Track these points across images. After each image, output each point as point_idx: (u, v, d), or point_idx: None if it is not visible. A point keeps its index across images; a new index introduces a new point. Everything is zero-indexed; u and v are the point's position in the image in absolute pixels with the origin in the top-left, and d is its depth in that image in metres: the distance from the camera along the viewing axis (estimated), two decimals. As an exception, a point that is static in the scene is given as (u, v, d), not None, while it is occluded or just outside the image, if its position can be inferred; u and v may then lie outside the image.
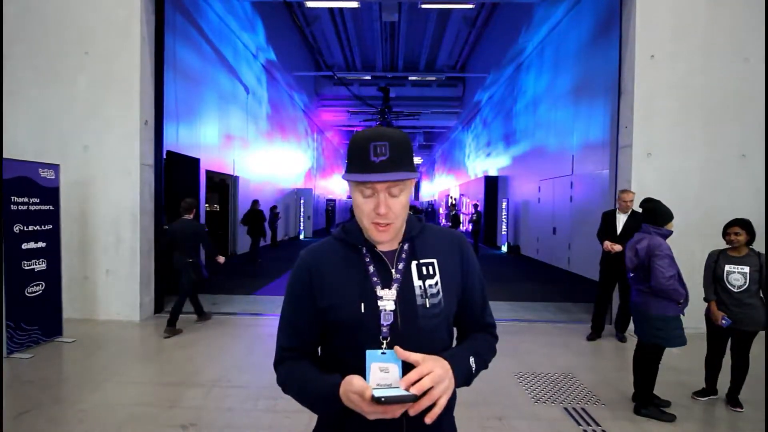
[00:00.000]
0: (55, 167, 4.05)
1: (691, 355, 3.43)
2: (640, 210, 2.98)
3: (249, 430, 2.55)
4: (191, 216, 4.52)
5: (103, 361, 3.59)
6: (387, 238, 0.90)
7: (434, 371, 0.79)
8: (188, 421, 2.62)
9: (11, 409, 2.72)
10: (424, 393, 0.77)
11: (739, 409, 2.87)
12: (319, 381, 0.88)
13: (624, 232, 4.17)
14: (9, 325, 3.57)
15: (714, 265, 2.92)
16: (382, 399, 0.73)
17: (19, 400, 2.86)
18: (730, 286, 2.84)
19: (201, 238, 4.55)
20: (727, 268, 2.86)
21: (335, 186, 27.44)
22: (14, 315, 3.62)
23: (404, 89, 19.37)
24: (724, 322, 2.79)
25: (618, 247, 4.10)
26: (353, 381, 0.79)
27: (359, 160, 0.86)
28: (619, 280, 4.29)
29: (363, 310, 0.89)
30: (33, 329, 3.79)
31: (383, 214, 0.86)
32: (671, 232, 2.80)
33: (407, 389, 0.77)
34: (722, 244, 3.02)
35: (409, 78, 19.10)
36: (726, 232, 2.90)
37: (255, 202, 9.58)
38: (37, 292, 3.85)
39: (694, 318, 3.14)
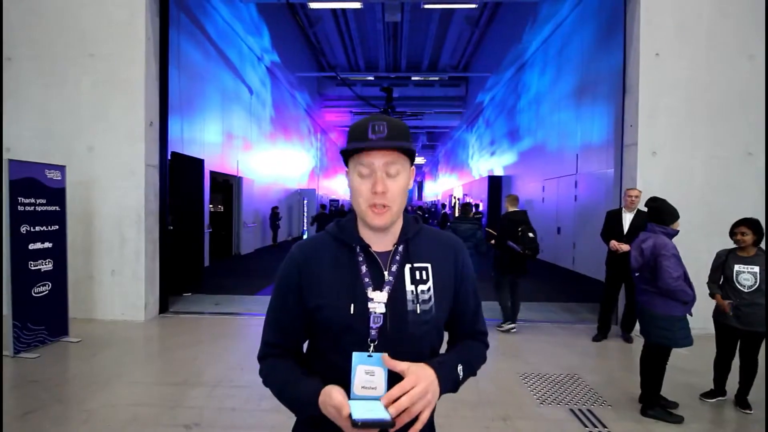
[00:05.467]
0: (61, 168, 4.07)
1: (699, 356, 3.40)
2: (645, 209, 2.97)
3: (252, 430, 2.56)
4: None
5: (108, 362, 3.60)
6: (383, 222, 0.88)
7: (416, 387, 0.79)
8: (192, 421, 2.63)
9: (17, 409, 2.74)
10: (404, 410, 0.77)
11: (748, 411, 2.84)
12: (299, 385, 0.87)
13: (631, 231, 4.12)
14: (15, 324, 3.59)
15: (723, 265, 2.89)
16: (359, 423, 0.72)
17: (24, 399, 2.87)
18: (740, 286, 2.80)
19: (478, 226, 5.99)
20: (736, 268, 2.82)
21: (338, 186, 27.47)
22: (21, 315, 3.64)
23: (407, 89, 19.37)
24: (731, 312, 2.81)
25: (625, 247, 4.04)
26: (332, 393, 0.79)
27: (357, 138, 0.87)
28: (626, 280, 4.26)
29: (352, 312, 0.87)
30: (39, 329, 3.81)
31: (380, 192, 0.85)
32: (677, 232, 2.77)
33: (387, 406, 0.77)
34: (728, 244, 2.99)
35: (412, 78, 19.09)
36: (733, 232, 2.87)
37: (342, 206, 12.63)
38: (43, 292, 3.87)
39: (701, 318, 3.10)
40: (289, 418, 2.94)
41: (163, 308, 5.05)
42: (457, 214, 5.09)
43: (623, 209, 4.28)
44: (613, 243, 4.17)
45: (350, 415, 0.74)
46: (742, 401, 2.89)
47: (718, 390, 3.01)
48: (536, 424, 2.68)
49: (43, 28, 4.63)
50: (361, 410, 0.75)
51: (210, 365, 3.54)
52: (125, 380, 3.23)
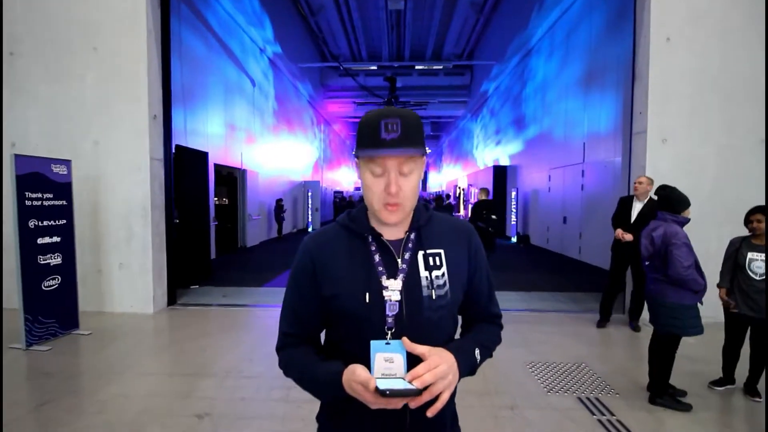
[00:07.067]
0: (67, 163, 4.09)
1: (708, 344, 3.38)
2: (656, 198, 2.93)
3: (263, 419, 2.59)
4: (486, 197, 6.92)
5: (118, 353, 3.65)
6: (397, 219, 0.89)
7: (439, 367, 0.79)
8: (203, 411, 2.66)
9: (31, 400, 2.79)
10: (427, 387, 0.78)
11: (757, 399, 2.82)
12: (321, 368, 0.88)
13: (638, 220, 4.09)
14: (27, 318, 3.65)
15: (736, 252, 2.86)
16: (387, 392, 0.74)
17: (38, 391, 2.92)
18: (752, 274, 2.77)
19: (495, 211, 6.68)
20: (749, 255, 2.79)
21: (342, 178, 27.43)
22: (32, 308, 3.69)
23: (411, 79, 19.19)
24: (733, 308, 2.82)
25: (629, 237, 4.04)
26: (356, 371, 0.79)
27: (369, 138, 0.84)
28: (631, 267, 4.26)
29: (368, 300, 0.88)
30: (50, 322, 3.87)
31: (394, 192, 0.85)
32: (688, 220, 2.73)
33: (411, 381, 0.77)
34: (739, 232, 2.95)
35: (416, 67, 18.90)
36: (748, 219, 2.83)
37: (351, 198, 12.20)
38: (53, 285, 3.91)
39: (710, 307, 3.07)
40: (299, 407, 2.95)
41: (171, 301, 5.10)
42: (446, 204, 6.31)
43: (634, 198, 4.24)
44: (619, 232, 4.16)
45: (376, 388, 0.75)
46: (751, 389, 2.87)
47: (727, 378, 2.99)
48: (544, 412, 2.69)
49: (46, 22, 4.61)
50: (387, 384, 0.77)
51: (219, 356, 3.58)
52: (136, 371, 3.28)
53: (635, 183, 4.15)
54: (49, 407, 2.70)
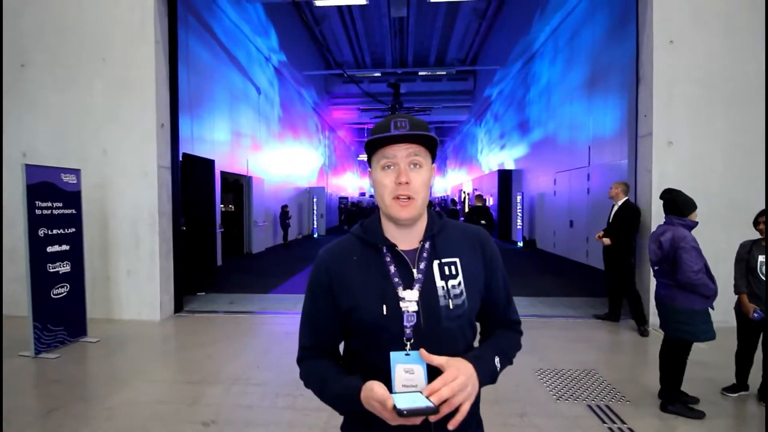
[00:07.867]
0: (76, 172, 4.14)
1: (720, 349, 3.32)
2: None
3: (269, 427, 2.57)
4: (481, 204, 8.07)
5: (126, 361, 3.67)
6: (408, 215, 0.89)
7: (457, 379, 0.79)
8: (209, 419, 2.66)
9: (41, 408, 2.81)
10: (446, 400, 0.78)
11: (771, 405, 2.76)
12: (339, 382, 0.88)
13: (612, 223, 4.46)
14: (36, 326, 3.68)
15: (747, 255, 2.81)
16: (404, 412, 0.74)
17: (46, 398, 2.94)
18: (763, 277, 2.73)
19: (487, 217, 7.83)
20: (760, 258, 2.75)
21: (347, 184, 27.49)
22: (41, 316, 3.72)
23: (414, 84, 19.27)
24: (756, 315, 2.69)
25: (606, 241, 4.45)
26: (374, 388, 0.79)
27: (380, 133, 0.89)
28: (617, 268, 4.46)
29: (385, 312, 0.87)
30: (59, 330, 3.90)
31: (404, 183, 0.86)
32: (696, 223, 2.70)
33: (428, 397, 0.78)
34: (748, 235, 2.91)
35: (419, 73, 18.99)
36: (757, 221, 2.79)
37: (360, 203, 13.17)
38: (62, 293, 3.95)
39: (722, 311, 3.03)
40: (305, 415, 2.94)
41: (178, 307, 5.12)
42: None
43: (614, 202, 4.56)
44: (597, 235, 4.59)
45: (394, 407, 0.75)
46: (765, 395, 2.81)
47: (740, 384, 2.94)
48: (553, 420, 2.65)
49: (55, 33, 4.71)
50: (405, 401, 0.77)
51: (226, 363, 3.58)
52: (144, 379, 3.29)
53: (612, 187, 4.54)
54: (57, 414, 2.71)
